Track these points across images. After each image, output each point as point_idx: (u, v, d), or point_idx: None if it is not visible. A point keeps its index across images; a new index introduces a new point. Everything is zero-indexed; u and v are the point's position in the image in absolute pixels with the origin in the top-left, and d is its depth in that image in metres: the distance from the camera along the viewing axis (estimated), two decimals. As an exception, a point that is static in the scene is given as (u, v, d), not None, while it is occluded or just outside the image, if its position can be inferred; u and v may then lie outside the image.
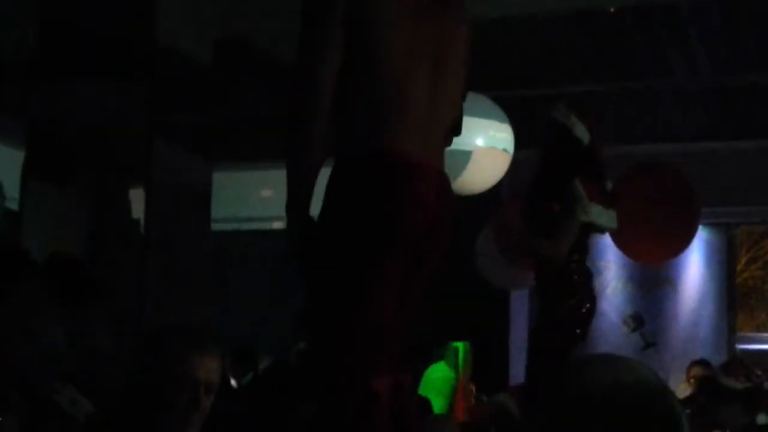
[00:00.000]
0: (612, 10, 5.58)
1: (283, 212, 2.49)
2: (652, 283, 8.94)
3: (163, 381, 2.54)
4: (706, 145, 7.79)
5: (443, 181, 2.56)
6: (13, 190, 4.89)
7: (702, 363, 7.08)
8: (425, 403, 4.74)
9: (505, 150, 5.73)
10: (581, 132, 4.54)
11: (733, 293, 9.33)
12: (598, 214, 4.55)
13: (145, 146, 4.38)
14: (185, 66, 4.55)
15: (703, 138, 7.76)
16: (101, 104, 4.48)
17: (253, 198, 8.38)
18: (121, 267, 4.48)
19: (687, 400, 5.86)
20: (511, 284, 7.58)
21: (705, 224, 7.94)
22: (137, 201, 4.51)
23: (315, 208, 2.49)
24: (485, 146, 5.30)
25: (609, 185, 4.65)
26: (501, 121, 5.42)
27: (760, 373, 6.69)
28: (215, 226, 4.90)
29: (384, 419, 2.47)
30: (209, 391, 2.59)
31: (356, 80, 2.44)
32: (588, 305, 4.55)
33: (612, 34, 5.99)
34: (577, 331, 4.49)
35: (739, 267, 9.73)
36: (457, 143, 3.03)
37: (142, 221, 4.46)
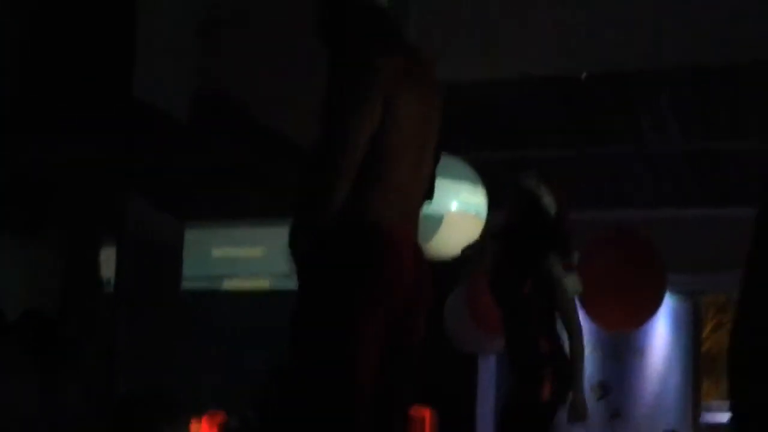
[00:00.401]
0: (584, 76, 5.64)
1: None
2: (620, 351, 8.94)
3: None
4: (674, 211, 7.87)
5: (420, 251, 2.68)
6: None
7: (671, 435, 7.06)
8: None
9: (477, 214, 5.73)
10: (549, 202, 4.57)
11: (698, 362, 9.35)
12: (569, 285, 4.59)
13: (120, 202, 4.34)
14: (162, 122, 4.53)
15: (670, 205, 7.84)
16: (76, 159, 4.46)
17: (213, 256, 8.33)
18: (92, 324, 4.40)
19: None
20: (479, 349, 7.54)
21: (671, 292, 7.98)
22: (109, 258, 4.46)
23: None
24: (458, 211, 5.28)
25: (575, 255, 4.68)
26: (474, 183, 5.42)
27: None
28: (187, 285, 4.85)
29: None
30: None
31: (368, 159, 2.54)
32: (561, 376, 4.55)
33: (583, 99, 6.06)
34: (551, 403, 4.48)
35: (704, 334, 9.77)
36: (430, 207, 3.08)
37: (112, 278, 4.39)
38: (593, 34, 5.01)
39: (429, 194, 2.80)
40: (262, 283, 8.37)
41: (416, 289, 2.61)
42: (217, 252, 8.26)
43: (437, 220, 5.39)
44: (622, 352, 9.05)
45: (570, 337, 4.62)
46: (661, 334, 9.07)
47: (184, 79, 4.70)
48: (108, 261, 4.60)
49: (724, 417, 9.53)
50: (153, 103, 4.46)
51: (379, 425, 2.57)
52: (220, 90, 5.72)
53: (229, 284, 8.43)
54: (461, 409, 8.17)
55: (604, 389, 8.99)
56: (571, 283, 4.61)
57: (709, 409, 9.53)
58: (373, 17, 2.67)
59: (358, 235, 2.53)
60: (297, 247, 2.52)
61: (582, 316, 7.46)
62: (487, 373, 8.79)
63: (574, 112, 6.28)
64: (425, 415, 6.54)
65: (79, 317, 5.05)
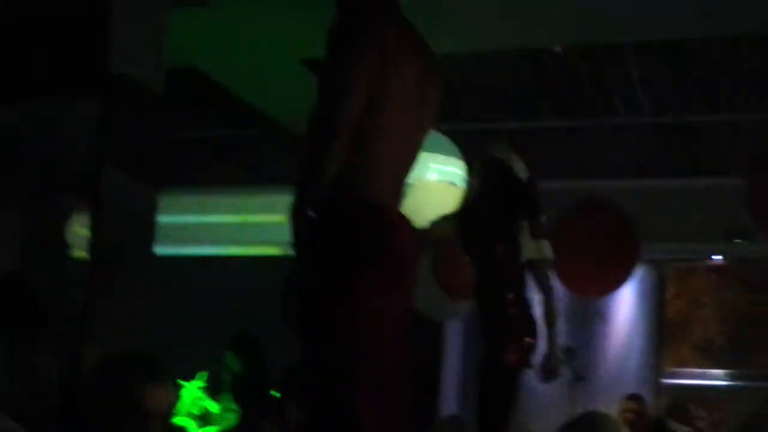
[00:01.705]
0: (558, 49, 5.68)
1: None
2: (585, 317, 9.07)
3: (112, 411, 2.50)
4: (643, 182, 7.97)
5: (412, 225, 2.75)
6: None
7: (635, 397, 7.19)
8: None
9: (454, 183, 5.79)
10: (520, 169, 4.64)
11: (662, 329, 9.51)
12: (538, 249, 4.67)
13: (95, 168, 4.33)
14: (137, 91, 4.52)
15: (640, 175, 7.93)
16: (50, 125, 4.45)
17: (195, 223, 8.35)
18: (63, 288, 4.42)
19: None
20: (446, 315, 7.62)
21: (638, 260, 8.09)
22: (83, 223, 4.46)
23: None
24: (435, 180, 5.33)
25: (544, 219, 4.76)
26: (452, 155, 5.47)
27: (703, 416, 6.85)
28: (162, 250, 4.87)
29: None
30: (159, 421, 2.56)
31: (359, 135, 2.58)
32: (530, 339, 4.63)
33: (558, 72, 6.10)
34: (522, 364, 4.57)
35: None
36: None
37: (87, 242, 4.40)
38: (567, 6, 5.04)
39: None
40: (237, 251, 8.40)
41: (412, 263, 2.69)
42: (191, 219, 8.29)
43: (414, 190, 5.44)
44: (587, 317, 9.18)
45: (544, 300, 4.70)
46: (625, 301, 9.21)
47: (160, 50, 4.68)
48: (83, 227, 4.60)
49: (684, 381, 9.73)
50: (129, 72, 4.45)
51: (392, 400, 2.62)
52: (194, 64, 5.74)
53: (203, 251, 8.46)
54: (428, 375, 8.28)
55: (570, 353, 9.12)
56: (541, 248, 4.69)
57: (671, 375, 9.71)
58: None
59: (358, 212, 2.57)
60: (298, 215, 2.52)
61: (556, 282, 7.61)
62: (454, 338, 8.90)
63: (547, 85, 6.33)
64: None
65: (50, 280, 5.07)
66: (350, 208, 2.58)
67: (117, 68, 4.34)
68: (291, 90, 6.22)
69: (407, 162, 2.73)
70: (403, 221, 2.68)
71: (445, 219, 5.14)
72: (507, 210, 4.70)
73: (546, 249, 4.70)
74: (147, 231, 4.64)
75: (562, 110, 6.75)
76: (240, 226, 8.41)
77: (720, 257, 8.89)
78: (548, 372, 4.67)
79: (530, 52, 5.78)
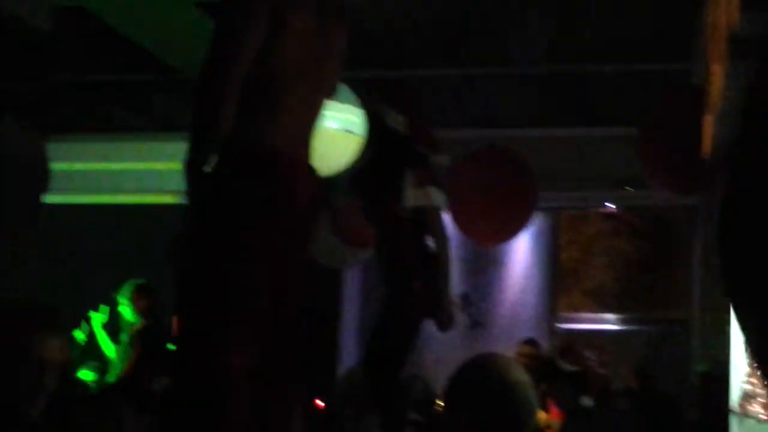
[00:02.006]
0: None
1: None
2: (481, 263, 9.23)
3: (4, 360, 2.45)
4: (537, 131, 8.08)
5: (314, 173, 2.75)
6: None
7: (531, 342, 7.36)
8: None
9: (354, 132, 5.75)
10: (394, 120, 4.63)
11: (555, 274, 9.74)
12: (425, 196, 4.63)
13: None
14: (23, 33, 4.36)
15: (534, 124, 8.04)
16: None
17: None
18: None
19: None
20: (344, 263, 7.64)
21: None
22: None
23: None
24: (335, 129, 5.29)
25: (430, 165, 4.73)
26: (350, 103, 5.42)
27: (591, 357, 7.05)
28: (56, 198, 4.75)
29: (236, 401, 2.46)
30: (54, 372, 2.52)
31: (247, 81, 2.56)
32: (432, 284, 4.65)
33: (453, 19, 6.11)
34: (425, 309, 4.60)
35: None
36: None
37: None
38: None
39: None
40: (133, 198, 8.25)
41: (311, 210, 2.69)
42: (81, 166, 8.09)
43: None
44: (483, 264, 9.34)
45: (437, 247, 4.69)
46: (521, 248, 9.39)
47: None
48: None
49: (577, 326, 10.00)
50: (15, 13, 4.29)
51: (279, 341, 2.62)
52: (84, 3, 5.55)
53: (98, 199, 8.28)
54: (326, 322, 8.30)
55: (466, 300, 9.29)
56: (428, 194, 4.65)
57: (564, 321, 9.98)
58: None
59: (254, 160, 2.56)
60: (192, 171, 2.52)
61: (451, 230, 7.70)
62: (352, 285, 8.94)
63: (445, 34, 6.33)
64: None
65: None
66: (246, 155, 2.57)
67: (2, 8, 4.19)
68: (185, 33, 6.09)
69: (311, 109, 2.72)
70: (303, 168, 2.69)
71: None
72: (388, 161, 4.70)
73: (434, 195, 4.67)
74: (37, 178, 4.52)
75: (457, 59, 6.77)
76: (135, 173, 8.25)
77: (611, 205, 9.11)
78: (444, 320, 4.69)
79: (429, 1, 5.77)
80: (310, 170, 2.73)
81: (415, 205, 4.57)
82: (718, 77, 3.11)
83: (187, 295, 2.57)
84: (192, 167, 2.52)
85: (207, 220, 2.55)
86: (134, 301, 6.39)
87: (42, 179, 4.55)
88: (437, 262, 4.61)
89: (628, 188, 8.12)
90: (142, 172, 8.18)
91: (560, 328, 9.91)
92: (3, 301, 2.79)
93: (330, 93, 2.83)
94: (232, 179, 2.55)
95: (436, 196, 4.67)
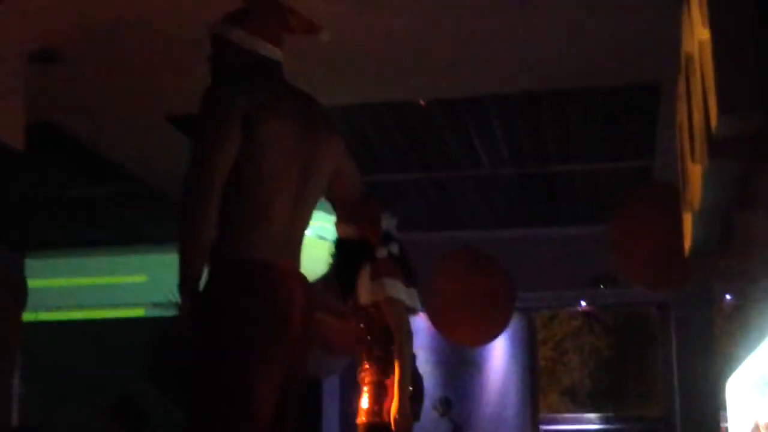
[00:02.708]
0: (422, 102, 5.81)
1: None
2: (459, 366, 9.19)
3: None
4: (507, 231, 8.16)
5: (306, 282, 2.78)
6: None
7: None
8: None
9: (324, 238, 5.82)
10: (343, 230, 4.67)
11: (535, 375, 9.70)
12: (375, 291, 4.58)
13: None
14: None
15: (505, 225, 8.13)
16: None
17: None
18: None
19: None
20: (323, 371, 7.59)
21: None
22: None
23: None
24: (313, 237, 5.35)
25: (383, 256, 4.70)
26: (321, 209, 5.48)
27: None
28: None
29: None
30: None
31: (233, 193, 2.63)
32: (416, 387, 4.63)
33: (420, 125, 6.23)
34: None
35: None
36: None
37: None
38: (430, 61, 5.18)
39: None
40: (102, 313, 8.20)
41: (306, 321, 2.69)
42: (58, 282, 8.06)
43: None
44: (463, 367, 9.30)
45: (396, 342, 4.63)
46: (498, 350, 9.37)
47: (18, 107, 4.60)
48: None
49: (558, 426, 9.91)
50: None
51: None
52: (54, 120, 5.63)
53: (67, 315, 8.22)
54: (307, 430, 8.20)
55: (446, 404, 9.20)
56: (381, 288, 4.62)
57: (546, 421, 9.90)
58: (249, 58, 2.79)
59: (245, 274, 2.60)
60: (186, 287, 2.56)
61: (423, 335, 7.69)
62: (331, 393, 8.85)
63: (413, 138, 6.45)
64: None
65: None
66: (236, 267, 2.61)
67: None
68: (155, 146, 6.18)
69: (297, 215, 2.74)
70: (295, 277, 2.71)
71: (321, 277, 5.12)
72: (352, 262, 4.72)
73: (389, 287, 4.65)
74: (14, 297, 4.51)
75: (426, 163, 6.87)
76: (102, 287, 8.24)
77: (584, 304, 9.15)
78: (401, 419, 4.62)
79: (395, 105, 5.89)
80: (302, 278, 2.75)
81: (372, 300, 4.55)
82: (695, 175, 3.18)
83: (191, 409, 2.57)
84: (186, 283, 2.56)
85: (206, 336, 2.56)
86: (123, 418, 6.29)
87: (19, 297, 4.55)
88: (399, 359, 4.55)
89: (601, 287, 8.18)
90: (112, 286, 8.16)
91: (542, 429, 9.82)
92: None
93: (316, 200, 2.85)
94: (226, 294, 2.59)
95: (409, 293, 4.67)
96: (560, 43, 4.97)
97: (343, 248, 4.71)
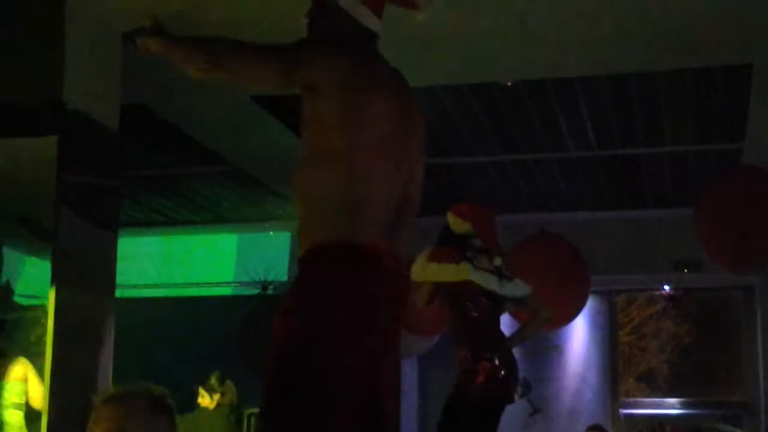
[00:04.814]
0: (508, 84, 5.77)
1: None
2: (540, 348, 9.14)
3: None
4: (590, 215, 8.10)
5: (403, 263, 2.68)
6: None
7: (597, 428, 7.27)
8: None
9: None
10: (457, 224, 4.82)
11: (615, 358, 9.61)
12: (497, 283, 4.77)
13: (54, 208, 4.30)
14: (93, 129, 4.52)
15: (588, 207, 8.06)
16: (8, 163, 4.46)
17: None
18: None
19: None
20: (408, 353, 7.64)
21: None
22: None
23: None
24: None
25: (498, 261, 4.91)
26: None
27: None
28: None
29: None
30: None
31: (336, 175, 2.54)
32: (506, 370, 4.70)
33: (505, 107, 6.20)
34: (501, 395, 4.63)
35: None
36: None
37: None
38: (517, 44, 5.14)
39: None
40: (189, 291, 8.34)
41: (402, 300, 2.63)
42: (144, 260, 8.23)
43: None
44: (542, 349, 9.26)
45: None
46: (579, 333, 9.31)
47: (113, 88, 4.69)
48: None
49: (639, 410, 9.82)
50: (84, 110, 4.45)
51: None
52: (144, 101, 5.73)
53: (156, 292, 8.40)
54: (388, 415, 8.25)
55: (526, 387, 9.17)
56: (512, 288, 4.89)
57: (626, 405, 9.81)
58: (351, 26, 2.71)
59: (346, 255, 2.51)
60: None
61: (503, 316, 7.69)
62: (410, 374, 8.90)
63: (498, 119, 6.42)
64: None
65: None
66: (335, 251, 2.52)
67: (72, 106, 4.34)
68: (240, 126, 6.26)
69: (398, 195, 2.61)
70: (389, 262, 2.58)
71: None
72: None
73: (520, 288, 4.92)
74: (106, 276, 4.62)
75: (510, 144, 6.84)
76: (195, 265, 8.39)
77: (668, 288, 9.03)
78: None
79: (481, 87, 5.86)
80: (400, 260, 2.65)
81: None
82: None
83: (282, 390, 2.48)
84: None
85: (306, 315, 2.50)
86: (216, 390, 6.39)
87: (111, 276, 4.66)
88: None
89: (685, 271, 8.07)
90: (202, 264, 8.30)
91: (623, 413, 9.74)
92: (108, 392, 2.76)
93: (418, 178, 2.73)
94: (322, 274, 2.52)
95: (512, 286, 4.86)
96: (649, 23, 4.89)
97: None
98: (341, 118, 2.52)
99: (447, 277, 4.85)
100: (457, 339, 4.88)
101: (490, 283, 4.87)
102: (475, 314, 4.81)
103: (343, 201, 2.52)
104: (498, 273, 4.89)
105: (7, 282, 5.38)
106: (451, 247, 4.93)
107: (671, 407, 9.91)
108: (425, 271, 4.87)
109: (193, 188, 7.72)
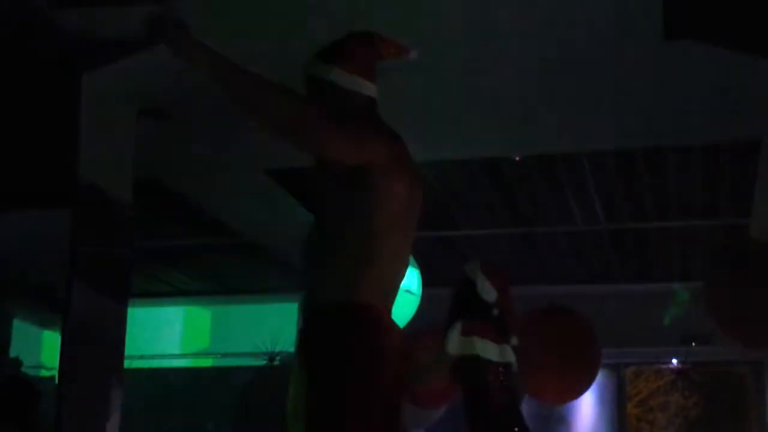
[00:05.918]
0: (517, 159, 5.82)
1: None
2: (547, 422, 9.06)
3: None
4: (598, 287, 8.10)
5: (400, 329, 2.70)
6: None
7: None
8: None
9: (411, 291, 5.88)
10: (486, 290, 4.67)
11: (624, 432, 9.51)
12: (489, 350, 4.60)
13: (65, 280, 4.32)
14: (106, 201, 4.56)
15: (595, 281, 8.06)
16: (21, 234, 4.48)
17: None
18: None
19: None
20: (412, 425, 7.58)
21: (597, 365, 8.15)
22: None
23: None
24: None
25: (514, 341, 4.75)
26: (410, 264, 5.54)
27: None
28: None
29: None
30: None
31: (357, 238, 2.58)
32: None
33: (513, 180, 6.24)
34: None
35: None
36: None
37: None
38: (526, 119, 5.19)
39: None
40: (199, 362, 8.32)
41: (405, 369, 2.64)
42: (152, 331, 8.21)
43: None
44: (549, 423, 9.17)
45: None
46: (587, 406, 9.23)
47: (127, 162, 4.75)
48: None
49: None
50: (97, 183, 4.50)
51: None
52: (157, 175, 5.78)
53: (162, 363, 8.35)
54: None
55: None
56: (470, 344, 4.65)
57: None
58: (350, 98, 2.71)
59: (357, 320, 2.54)
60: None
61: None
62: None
63: (506, 192, 6.45)
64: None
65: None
66: (345, 310, 2.55)
67: (86, 178, 4.39)
68: (253, 200, 6.30)
69: (400, 269, 2.68)
70: (396, 326, 2.65)
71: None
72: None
73: (507, 353, 4.68)
74: (115, 346, 4.63)
75: (518, 218, 6.87)
76: (200, 337, 8.37)
77: (676, 362, 8.98)
78: None
79: (490, 161, 5.91)
80: (399, 327, 2.69)
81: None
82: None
83: None
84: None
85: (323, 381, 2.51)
86: None
87: (119, 346, 4.66)
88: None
89: (693, 344, 8.04)
90: (212, 335, 8.28)
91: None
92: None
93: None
94: (344, 334, 2.53)
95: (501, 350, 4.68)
96: (656, 100, 4.95)
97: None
98: (377, 203, 2.57)
99: (491, 356, 4.65)
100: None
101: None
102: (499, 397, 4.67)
103: (376, 268, 2.57)
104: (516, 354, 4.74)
105: (17, 358, 5.37)
106: (486, 322, 4.72)
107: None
108: (467, 345, 4.64)
109: (202, 259, 7.74)
